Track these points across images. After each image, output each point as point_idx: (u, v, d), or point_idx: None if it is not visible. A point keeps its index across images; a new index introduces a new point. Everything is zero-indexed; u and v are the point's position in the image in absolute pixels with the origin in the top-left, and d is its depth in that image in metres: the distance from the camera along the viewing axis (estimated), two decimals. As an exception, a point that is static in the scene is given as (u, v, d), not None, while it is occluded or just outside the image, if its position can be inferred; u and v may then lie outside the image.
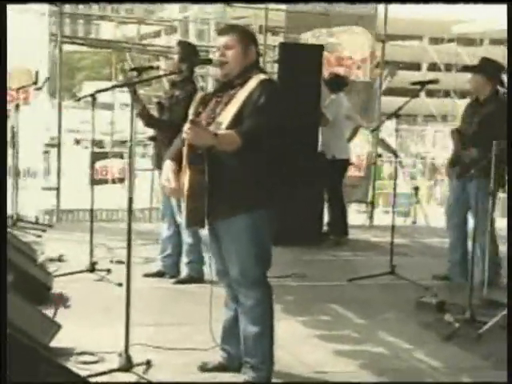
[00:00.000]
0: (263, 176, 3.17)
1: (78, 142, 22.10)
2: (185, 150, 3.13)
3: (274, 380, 3.36)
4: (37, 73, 7.08)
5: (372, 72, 8.82)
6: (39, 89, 7.21)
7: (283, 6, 8.82)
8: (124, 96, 19.51)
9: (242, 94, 3.15)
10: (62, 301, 4.46)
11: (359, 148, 8.48)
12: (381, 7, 8.85)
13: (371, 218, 9.19)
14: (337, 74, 7.70)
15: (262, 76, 3.21)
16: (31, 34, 7.48)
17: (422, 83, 5.45)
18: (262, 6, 8.92)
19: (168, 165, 3.24)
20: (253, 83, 3.16)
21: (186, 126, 2.99)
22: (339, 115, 7.25)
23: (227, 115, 3.11)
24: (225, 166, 3.09)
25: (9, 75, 7.38)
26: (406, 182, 15.25)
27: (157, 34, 31.81)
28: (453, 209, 5.67)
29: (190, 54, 5.10)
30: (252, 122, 3.07)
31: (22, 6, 7.45)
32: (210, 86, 17.34)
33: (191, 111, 3.14)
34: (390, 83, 13.05)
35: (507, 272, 4.52)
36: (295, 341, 4.09)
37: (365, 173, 9.00)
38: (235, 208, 3.15)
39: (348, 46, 8.62)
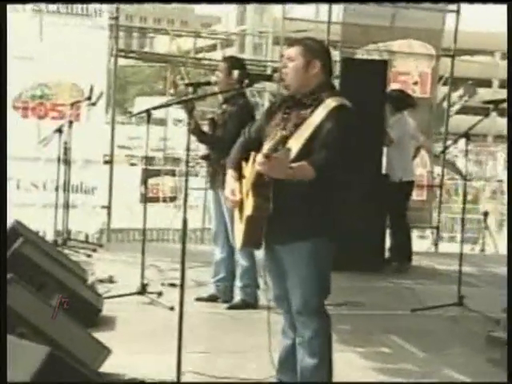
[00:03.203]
0: (328, 202, 3.18)
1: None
2: (250, 177, 3.15)
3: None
4: (92, 88, 7.25)
5: (433, 88, 8.74)
6: (93, 104, 7.38)
7: (341, 19, 8.83)
8: (177, 111, 19.78)
9: (313, 120, 3.14)
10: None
11: (419, 168, 8.39)
12: (450, 20, 8.80)
13: (436, 244, 9.06)
14: (402, 91, 7.66)
15: (335, 101, 3.18)
16: (89, 48, 7.66)
17: (495, 102, 5.38)
18: (324, 18, 8.96)
19: (230, 173, 3.31)
20: (325, 109, 3.15)
21: (261, 158, 2.98)
22: (405, 135, 7.20)
23: (297, 141, 3.10)
24: (291, 193, 3.10)
25: (58, 90, 7.66)
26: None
27: (212, 48, 32.24)
28: None
29: (240, 69, 5.16)
30: (327, 155, 3.07)
31: (79, 20, 7.67)
32: (267, 102, 17.43)
33: (267, 144, 3.01)
34: (466, 103, 12.88)
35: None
36: (353, 373, 4.04)
37: (427, 195, 8.88)
38: (299, 234, 3.17)
39: (405, 61, 8.58)
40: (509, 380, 3.25)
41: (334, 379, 3.36)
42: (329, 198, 3.18)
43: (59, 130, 7.12)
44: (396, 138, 7.11)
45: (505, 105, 5.55)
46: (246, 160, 3.27)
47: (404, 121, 7.25)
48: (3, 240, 3.69)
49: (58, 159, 7.18)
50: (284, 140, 2.93)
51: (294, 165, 3.00)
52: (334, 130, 3.10)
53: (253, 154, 3.18)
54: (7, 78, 4.74)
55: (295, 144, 3.09)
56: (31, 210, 7.20)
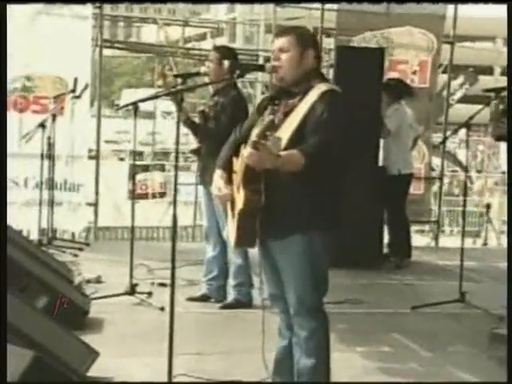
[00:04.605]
0: (323, 195, 3.17)
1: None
2: (240, 169, 3.14)
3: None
4: (75, 80, 7.22)
5: (433, 77, 8.71)
6: (78, 97, 7.35)
7: (336, 6, 8.80)
8: (166, 104, 19.72)
9: (302, 107, 3.15)
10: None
11: (416, 160, 8.40)
12: (450, 6, 8.76)
13: (436, 238, 9.08)
14: (400, 80, 7.66)
15: (324, 86, 3.20)
16: (72, 39, 7.62)
17: (497, 90, 5.38)
18: (317, 5, 8.93)
19: (218, 173, 3.31)
20: (315, 94, 3.16)
21: (248, 150, 2.96)
22: (404, 126, 7.20)
23: (287, 130, 3.11)
24: (282, 185, 3.10)
25: (40, 82, 7.61)
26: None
27: (202, 37, 32.19)
28: None
29: (231, 59, 5.15)
30: (316, 140, 3.06)
31: (63, 10, 7.62)
32: (259, 93, 17.41)
33: (256, 130, 3.03)
34: (467, 91, 12.88)
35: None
36: (353, 374, 4.05)
37: (424, 189, 8.87)
38: (292, 228, 3.16)
39: (404, 49, 8.55)
40: (509, 380, 3.26)
41: (333, 380, 3.37)
42: (323, 189, 3.16)
43: (42, 125, 7.08)
44: (394, 128, 7.11)
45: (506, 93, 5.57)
46: (236, 156, 3.28)
47: (402, 111, 7.25)
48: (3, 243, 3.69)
49: (42, 155, 7.15)
50: (272, 124, 2.92)
51: (282, 153, 2.98)
52: (323, 114, 3.10)
53: (243, 147, 3.17)
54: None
55: (285, 133, 3.09)
56: (12, 209, 7.16)
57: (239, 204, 3.12)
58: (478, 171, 19.01)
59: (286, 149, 3.02)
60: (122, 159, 21.29)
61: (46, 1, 7.57)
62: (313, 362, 3.25)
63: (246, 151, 2.99)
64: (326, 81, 3.31)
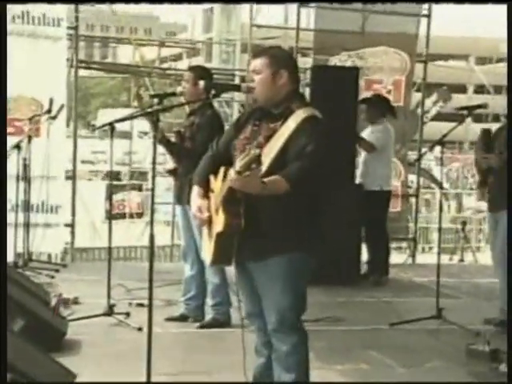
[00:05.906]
0: (303, 217, 3.21)
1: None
2: (220, 192, 3.15)
3: None
4: (51, 100, 7.20)
5: (407, 95, 8.82)
6: (53, 118, 7.33)
7: (312, 25, 8.89)
8: (142, 124, 19.71)
9: (284, 132, 3.16)
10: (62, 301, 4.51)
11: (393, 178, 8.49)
12: (422, 25, 8.89)
13: (413, 255, 9.14)
14: (384, 97, 7.74)
15: (305, 112, 3.20)
16: (47, 60, 7.61)
17: (470, 108, 5.46)
18: (293, 25, 9.02)
19: (197, 192, 3.32)
20: (295, 120, 3.17)
21: (233, 175, 2.99)
22: (389, 143, 7.27)
23: (268, 154, 3.11)
24: (262, 208, 3.13)
25: (15, 105, 7.58)
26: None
27: (178, 57, 32.28)
28: (493, 243, 5.65)
29: (206, 79, 5.18)
30: (299, 166, 3.10)
31: (36, 31, 7.61)
32: (236, 112, 17.48)
33: (240, 161, 2.97)
34: (441, 108, 13.08)
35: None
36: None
37: (401, 206, 8.94)
38: (272, 250, 3.18)
39: (378, 69, 8.66)
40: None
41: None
42: (303, 211, 3.20)
43: (17, 146, 7.04)
44: (380, 145, 7.15)
45: (479, 111, 5.66)
46: (214, 174, 3.29)
47: (389, 128, 7.31)
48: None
49: (17, 177, 7.10)
50: (257, 159, 2.92)
51: (267, 179, 3.02)
52: (305, 141, 3.12)
53: (223, 168, 3.19)
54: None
55: (266, 157, 3.10)
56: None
57: (218, 226, 3.13)
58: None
59: (266, 172, 3.05)
60: (102, 179, 21.22)
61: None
62: (293, 377, 3.27)
63: (231, 175, 3.01)
64: (307, 104, 3.31)
